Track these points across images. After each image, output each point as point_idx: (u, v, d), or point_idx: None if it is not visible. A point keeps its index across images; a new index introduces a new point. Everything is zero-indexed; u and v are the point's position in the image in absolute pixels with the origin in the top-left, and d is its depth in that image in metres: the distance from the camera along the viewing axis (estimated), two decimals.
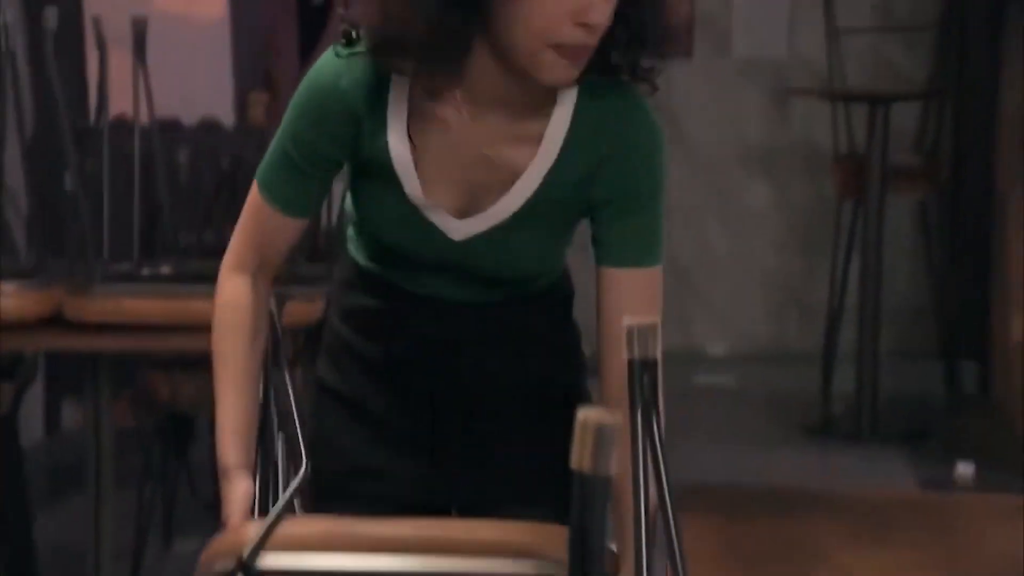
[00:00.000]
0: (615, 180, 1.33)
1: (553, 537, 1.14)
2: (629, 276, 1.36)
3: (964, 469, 3.26)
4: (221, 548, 1.18)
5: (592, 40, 1.25)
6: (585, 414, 0.81)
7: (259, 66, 4.20)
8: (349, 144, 1.35)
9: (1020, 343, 3.76)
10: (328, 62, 1.36)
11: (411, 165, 1.34)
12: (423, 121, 1.34)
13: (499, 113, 1.33)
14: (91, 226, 2.53)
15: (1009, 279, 3.95)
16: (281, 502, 1.21)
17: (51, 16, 2.35)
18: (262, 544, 1.15)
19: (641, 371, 1.16)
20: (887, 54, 4.62)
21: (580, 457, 0.81)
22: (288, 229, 1.40)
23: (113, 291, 2.38)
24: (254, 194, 1.40)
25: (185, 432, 3.09)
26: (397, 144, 1.34)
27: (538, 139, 1.33)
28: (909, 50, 4.56)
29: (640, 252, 1.36)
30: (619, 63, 1.31)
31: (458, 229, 1.36)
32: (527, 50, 1.25)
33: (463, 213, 1.36)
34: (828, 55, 4.25)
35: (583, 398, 1.47)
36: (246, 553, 1.13)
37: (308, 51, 4.11)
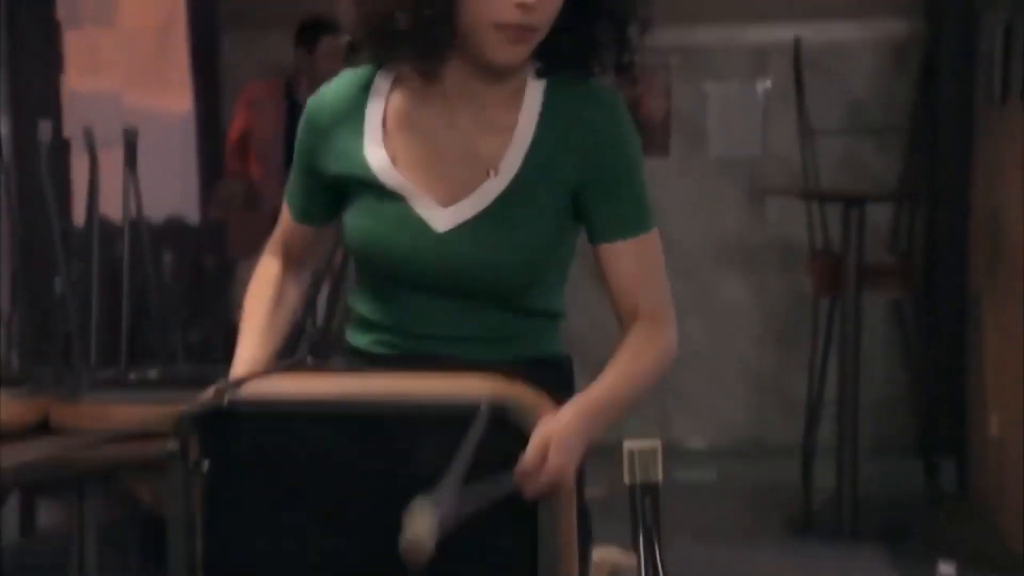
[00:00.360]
0: (589, 162, 1.44)
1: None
2: (625, 248, 1.46)
3: (946, 569, 3.27)
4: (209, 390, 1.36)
5: (530, 20, 1.39)
6: (601, 555, 0.89)
7: (226, 162, 4.31)
8: (335, 153, 1.48)
9: (997, 440, 3.80)
10: (321, 88, 1.54)
11: (387, 160, 1.46)
12: (399, 125, 1.47)
13: (472, 109, 1.45)
14: (79, 331, 2.55)
15: (984, 378, 4.00)
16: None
17: (45, 130, 2.41)
18: (240, 381, 1.33)
19: (643, 495, 1.19)
20: (860, 154, 4.71)
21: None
22: (303, 234, 1.58)
23: (100, 399, 2.39)
24: (284, 204, 1.59)
25: (166, 537, 3.07)
26: (375, 149, 1.47)
27: (511, 128, 1.45)
28: (881, 151, 4.66)
29: (629, 223, 1.46)
30: (587, 60, 1.45)
31: (442, 218, 1.44)
32: (476, 31, 1.41)
33: (447, 204, 1.45)
34: (802, 155, 4.34)
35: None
36: (225, 386, 1.33)
37: (291, 147, 4.20)
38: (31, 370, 2.53)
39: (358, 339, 1.54)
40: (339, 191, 1.51)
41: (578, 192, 1.45)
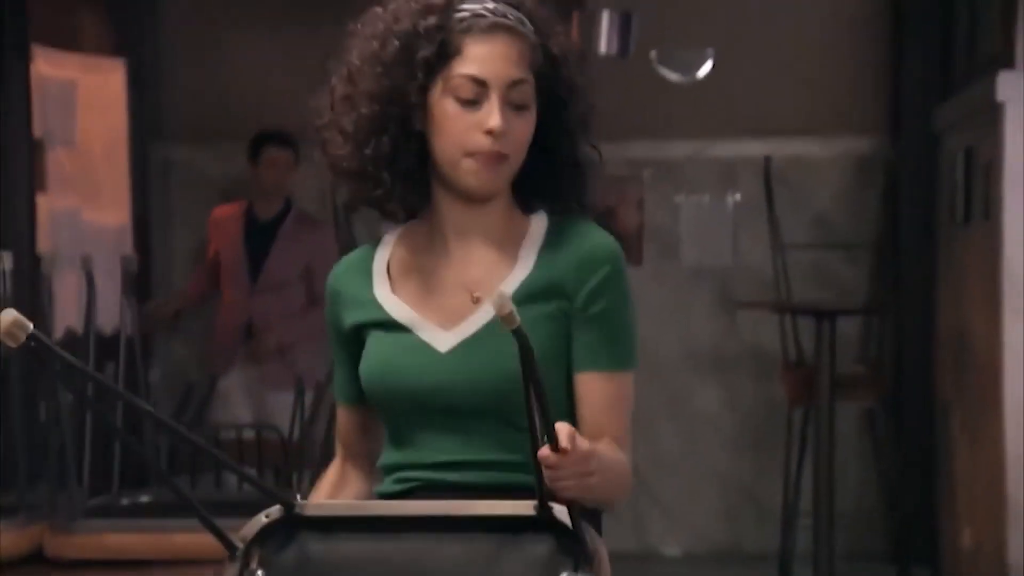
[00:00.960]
0: (580, 294, 1.52)
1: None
2: (591, 379, 1.52)
3: None
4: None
5: (500, 146, 1.50)
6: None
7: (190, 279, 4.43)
8: (350, 306, 1.57)
9: (970, 551, 3.87)
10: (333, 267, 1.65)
11: (394, 297, 1.56)
12: (402, 267, 1.58)
13: (463, 238, 1.56)
14: (72, 454, 2.57)
15: (955, 488, 4.07)
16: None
17: (6, 259, 2.50)
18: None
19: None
20: (828, 266, 4.82)
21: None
22: (357, 419, 1.63)
23: (94, 527, 2.42)
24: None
25: None
26: (381, 288, 1.57)
27: (513, 256, 1.55)
28: (850, 264, 4.77)
29: (603, 357, 1.52)
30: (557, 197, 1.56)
31: (445, 340, 1.53)
32: (451, 162, 1.52)
33: (448, 328, 1.54)
34: (774, 268, 4.44)
35: None
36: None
37: (257, 265, 4.33)
38: (24, 496, 2.55)
39: (382, 487, 1.59)
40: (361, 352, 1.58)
41: (569, 318, 1.53)
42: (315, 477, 2.71)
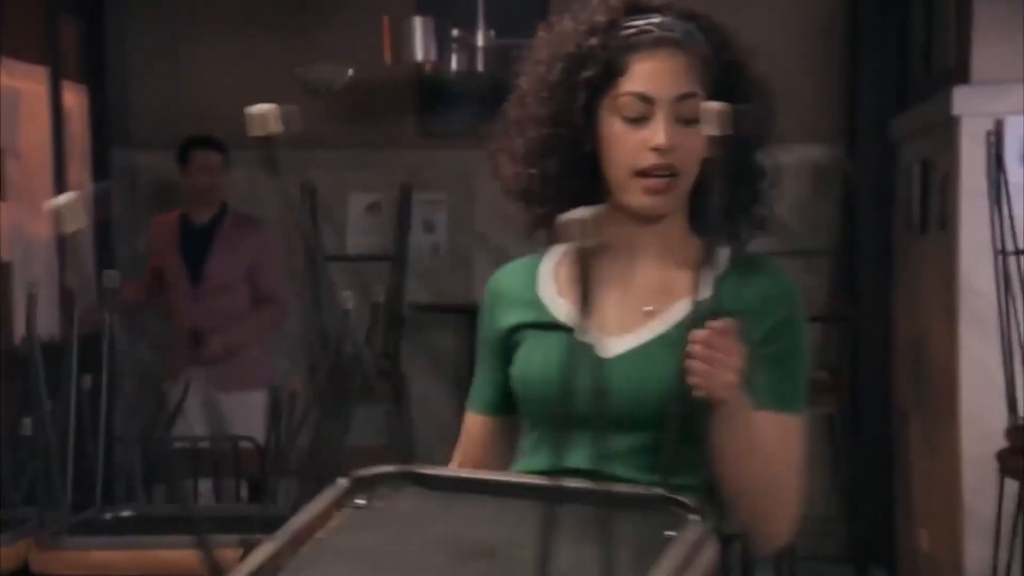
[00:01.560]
0: (759, 330, 1.46)
1: None
2: (767, 418, 1.45)
3: None
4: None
5: (668, 162, 1.47)
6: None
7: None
8: (511, 308, 1.55)
9: (927, 555, 3.97)
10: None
11: (561, 299, 1.53)
12: (569, 276, 1.54)
13: (635, 255, 1.52)
14: (53, 472, 2.59)
15: (912, 492, 4.17)
16: None
17: None
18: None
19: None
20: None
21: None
22: (489, 430, 1.59)
23: (81, 543, 2.44)
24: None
25: None
26: (547, 290, 1.55)
27: (691, 279, 1.47)
28: (809, 271, 4.87)
29: (774, 397, 1.47)
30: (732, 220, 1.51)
31: (611, 346, 1.48)
32: (620, 181, 1.50)
33: (619, 334, 1.49)
34: None
35: None
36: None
37: (199, 270, 4.33)
38: (10, 512, 2.57)
39: None
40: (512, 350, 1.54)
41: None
42: (301, 488, 2.77)
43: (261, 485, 3.26)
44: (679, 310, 1.49)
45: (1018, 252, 3.36)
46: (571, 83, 1.49)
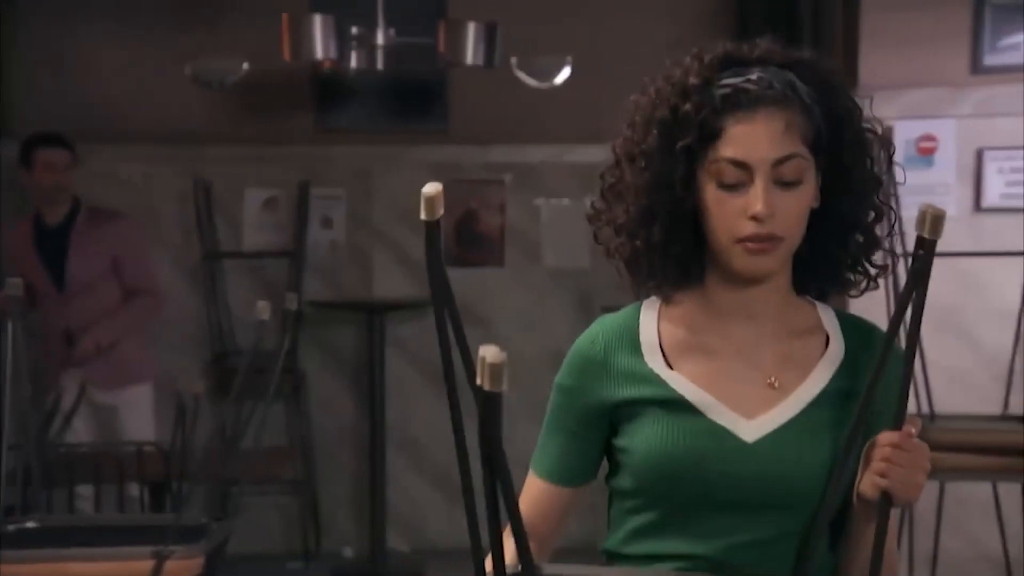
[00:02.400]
0: (879, 397, 1.41)
1: None
2: None
3: None
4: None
5: (764, 229, 1.41)
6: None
7: None
8: (620, 378, 1.46)
9: None
10: (586, 330, 1.54)
11: (680, 376, 1.45)
12: (675, 342, 1.47)
13: (742, 319, 1.46)
14: None
15: None
16: None
17: None
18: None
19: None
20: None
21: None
22: (557, 500, 1.52)
23: None
24: (528, 475, 1.55)
25: None
26: (657, 363, 1.45)
27: (820, 339, 1.45)
28: None
29: None
30: (838, 277, 1.47)
31: (749, 428, 1.42)
32: (722, 248, 1.44)
33: (749, 415, 1.43)
34: None
35: None
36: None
37: (58, 271, 4.24)
38: None
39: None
40: (611, 429, 1.48)
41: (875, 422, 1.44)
42: (211, 493, 2.73)
43: (162, 490, 3.23)
44: (809, 387, 1.45)
45: (906, 253, 3.49)
46: (668, 150, 1.43)
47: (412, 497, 5.21)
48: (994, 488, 3.35)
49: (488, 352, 1.11)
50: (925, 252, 1.30)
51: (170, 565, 2.36)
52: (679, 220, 1.45)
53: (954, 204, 3.82)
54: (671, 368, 1.46)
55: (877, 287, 1.50)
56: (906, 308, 1.34)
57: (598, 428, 1.50)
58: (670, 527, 1.45)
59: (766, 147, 1.41)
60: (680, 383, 1.45)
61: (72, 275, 4.25)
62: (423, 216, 1.23)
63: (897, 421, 1.36)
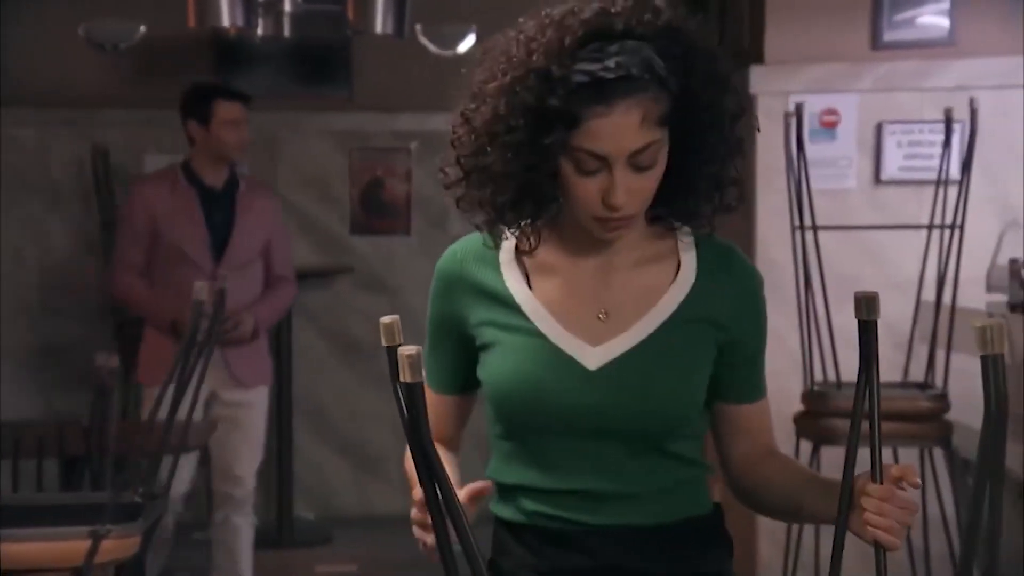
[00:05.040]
0: (738, 326, 1.50)
1: None
2: (751, 410, 1.54)
3: None
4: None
5: (619, 214, 1.44)
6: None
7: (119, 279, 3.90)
8: (469, 312, 1.52)
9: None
10: (448, 248, 1.60)
11: (534, 300, 1.50)
12: (534, 268, 1.52)
13: (598, 252, 1.50)
14: None
15: None
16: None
17: None
18: None
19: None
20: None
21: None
22: (449, 407, 1.59)
23: None
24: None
25: None
26: (515, 284, 1.51)
27: (662, 278, 1.50)
28: None
29: (759, 388, 1.56)
30: (695, 207, 1.50)
31: (594, 355, 1.47)
32: (579, 218, 1.48)
33: (595, 343, 1.48)
34: None
35: None
36: None
37: (218, 240, 3.79)
38: None
39: (501, 508, 1.55)
40: (477, 344, 1.52)
41: (720, 350, 1.51)
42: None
43: (81, 467, 3.19)
44: (655, 315, 1.49)
45: (815, 227, 3.60)
46: (537, 139, 1.44)
47: (318, 465, 5.21)
48: (895, 452, 3.50)
49: (406, 349, 1.24)
50: (867, 335, 1.36)
51: (106, 544, 2.35)
52: (546, 196, 1.48)
53: (855, 176, 3.94)
54: (530, 288, 1.51)
55: (732, 210, 1.52)
56: (864, 391, 1.41)
57: (467, 342, 1.55)
58: (529, 455, 1.51)
59: (623, 140, 1.43)
60: (532, 307, 1.50)
61: (234, 251, 3.77)
62: (383, 343, 1.31)
63: (878, 473, 1.40)
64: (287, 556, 3.69)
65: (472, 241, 1.57)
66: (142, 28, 4.74)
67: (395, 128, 5.15)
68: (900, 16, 4.26)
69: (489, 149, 1.47)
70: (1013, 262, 3.44)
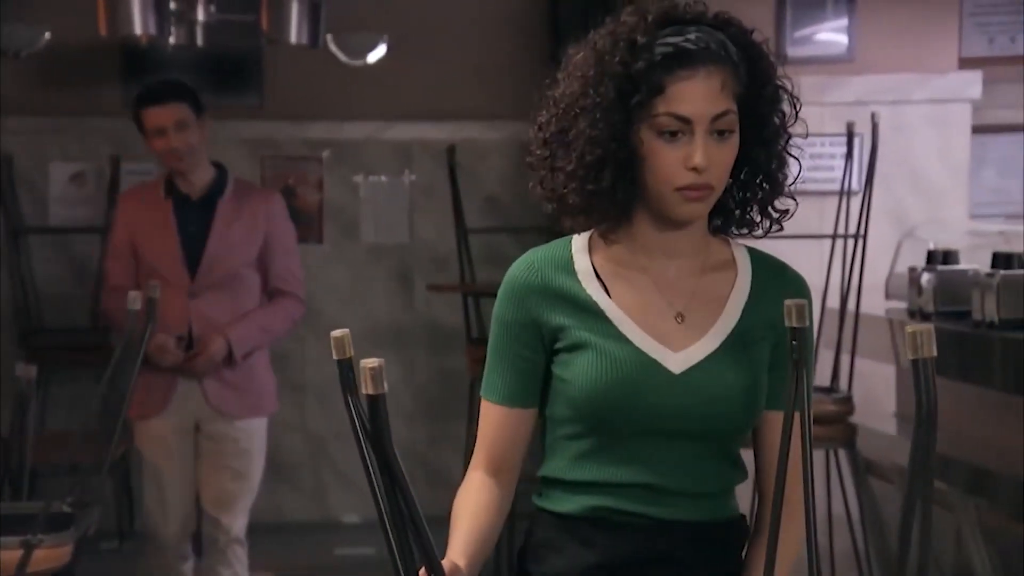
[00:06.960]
0: (784, 332, 1.49)
1: None
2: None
3: None
4: None
5: (705, 180, 1.52)
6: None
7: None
8: (549, 317, 1.56)
9: None
10: (518, 260, 1.62)
11: (615, 307, 1.56)
12: (608, 275, 1.58)
13: (668, 257, 1.57)
14: None
15: None
16: None
17: None
18: None
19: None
20: (502, 249, 5.13)
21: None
22: (515, 423, 1.59)
23: None
24: (482, 405, 1.61)
25: None
26: (595, 291, 1.56)
27: (731, 274, 1.58)
28: (520, 248, 5.06)
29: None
30: (750, 216, 1.58)
31: (676, 360, 1.54)
32: (659, 194, 1.54)
33: (675, 347, 1.55)
34: (458, 250, 4.68)
35: None
36: None
37: (194, 254, 3.38)
38: None
39: (558, 504, 1.58)
40: (551, 356, 1.57)
41: (772, 356, 1.57)
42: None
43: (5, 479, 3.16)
44: (725, 322, 1.56)
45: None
46: (622, 104, 1.52)
47: None
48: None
49: (368, 362, 1.29)
50: (797, 341, 1.42)
51: (39, 554, 2.35)
52: (626, 167, 1.54)
53: None
54: (608, 296, 1.57)
55: (781, 228, 1.61)
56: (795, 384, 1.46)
57: (542, 351, 1.59)
58: (604, 453, 1.56)
59: (706, 103, 1.51)
60: (615, 313, 1.56)
61: (209, 260, 3.34)
62: (334, 356, 1.36)
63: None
64: (198, 564, 3.67)
65: (544, 250, 1.61)
66: (47, 35, 4.69)
67: (307, 137, 5.16)
68: (800, 33, 4.42)
69: (578, 117, 1.54)
70: (912, 270, 3.58)
